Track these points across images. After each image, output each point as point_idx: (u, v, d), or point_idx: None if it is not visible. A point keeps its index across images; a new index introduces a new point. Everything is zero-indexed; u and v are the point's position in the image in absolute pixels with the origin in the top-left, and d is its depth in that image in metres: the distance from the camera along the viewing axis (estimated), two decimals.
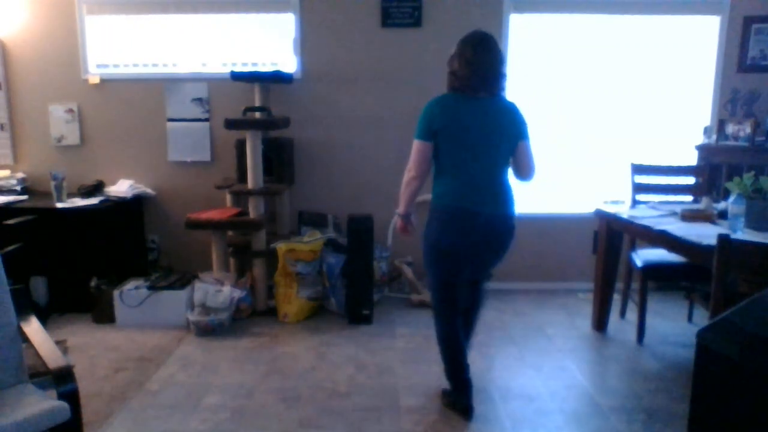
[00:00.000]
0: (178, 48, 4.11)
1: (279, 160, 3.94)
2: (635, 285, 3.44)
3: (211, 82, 4.09)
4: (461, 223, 2.40)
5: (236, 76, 3.76)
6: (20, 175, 4.12)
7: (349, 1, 3.99)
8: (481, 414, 2.57)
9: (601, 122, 4.18)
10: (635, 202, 3.66)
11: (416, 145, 2.44)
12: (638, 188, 3.70)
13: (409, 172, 2.47)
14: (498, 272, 4.15)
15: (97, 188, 4.01)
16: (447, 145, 2.40)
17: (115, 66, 4.13)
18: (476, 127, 2.38)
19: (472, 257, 2.48)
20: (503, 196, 2.46)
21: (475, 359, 3.08)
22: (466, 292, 2.64)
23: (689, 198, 3.65)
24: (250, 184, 3.70)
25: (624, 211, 3.30)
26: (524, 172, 2.50)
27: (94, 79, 4.09)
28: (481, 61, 2.36)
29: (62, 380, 1.87)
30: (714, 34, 4.10)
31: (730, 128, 4.00)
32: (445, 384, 2.69)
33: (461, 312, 2.61)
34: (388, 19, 4.00)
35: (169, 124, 4.14)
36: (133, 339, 3.38)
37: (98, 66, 4.13)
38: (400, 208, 2.57)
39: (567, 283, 4.28)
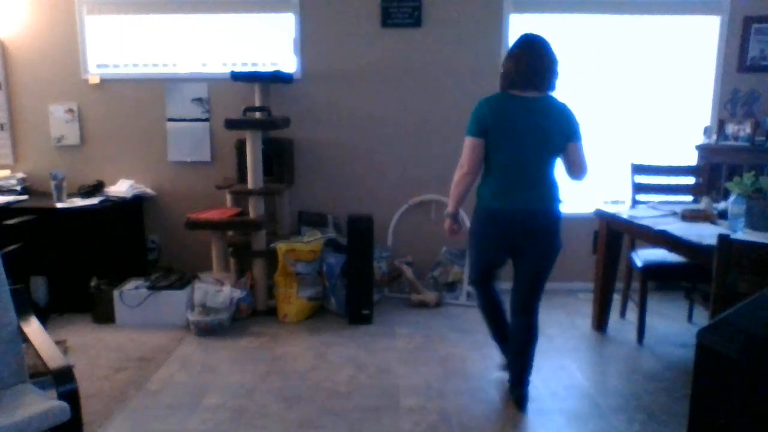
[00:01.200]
0: (178, 48, 4.11)
1: (279, 160, 3.94)
2: (635, 285, 3.44)
3: (211, 82, 4.09)
4: (501, 222, 2.47)
5: (236, 76, 3.76)
6: (20, 175, 4.12)
7: (349, 1, 3.99)
8: (482, 414, 2.57)
9: (601, 122, 4.18)
10: (635, 202, 3.66)
11: (468, 141, 2.46)
12: (638, 188, 3.70)
13: (461, 168, 2.50)
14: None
15: (97, 188, 4.01)
16: (494, 144, 2.43)
17: (115, 66, 4.13)
18: (523, 127, 2.40)
19: (516, 251, 2.54)
20: (544, 193, 2.47)
21: (475, 359, 3.08)
22: (520, 297, 2.62)
23: (689, 198, 3.65)
24: (250, 184, 3.70)
25: (624, 211, 3.30)
26: (576, 172, 2.51)
27: (94, 79, 4.09)
28: (528, 58, 2.40)
29: (62, 380, 1.87)
30: (714, 34, 4.10)
31: (730, 128, 4.00)
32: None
33: (514, 323, 2.66)
34: (388, 19, 4.00)
35: (169, 124, 4.14)
36: (133, 339, 3.37)
37: (98, 66, 4.13)
38: (450, 207, 2.61)
39: (567, 283, 4.28)
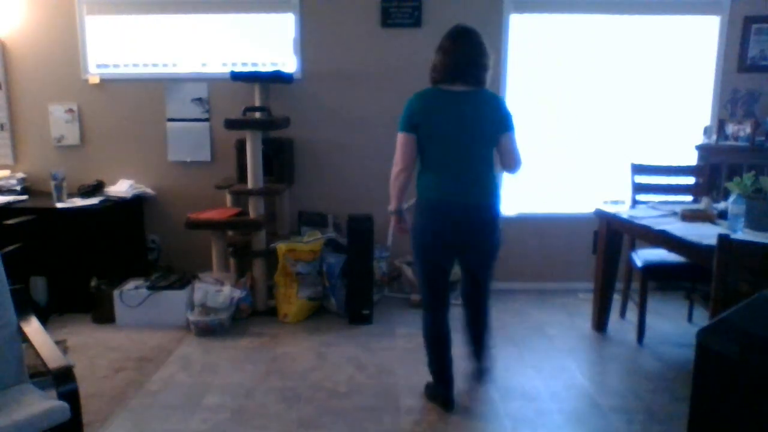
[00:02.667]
0: (178, 48, 4.11)
1: (279, 160, 3.94)
2: (635, 285, 3.44)
3: (211, 82, 4.09)
4: (442, 214, 2.44)
5: (236, 76, 3.76)
6: (20, 175, 4.12)
7: (349, 1, 3.99)
8: (481, 414, 2.57)
9: (601, 122, 4.18)
10: (635, 202, 3.66)
11: (400, 137, 2.47)
12: (638, 188, 3.70)
13: (396, 165, 2.50)
14: (498, 272, 4.17)
15: (97, 188, 4.01)
16: (428, 138, 2.43)
17: (115, 66, 4.13)
18: (456, 121, 2.40)
19: (459, 248, 2.53)
20: (484, 187, 2.46)
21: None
22: (470, 292, 2.68)
23: (689, 198, 3.65)
24: (250, 184, 3.70)
25: (624, 211, 3.30)
26: (509, 164, 2.52)
27: (94, 79, 4.09)
28: (457, 50, 2.39)
29: (62, 380, 1.87)
30: (714, 34, 4.10)
31: (730, 128, 4.00)
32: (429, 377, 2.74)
33: (466, 316, 2.71)
34: (388, 19, 4.00)
35: (169, 124, 4.14)
36: (133, 339, 3.38)
37: (98, 66, 4.13)
38: (391, 205, 2.58)
39: (567, 283, 4.28)
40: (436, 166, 2.45)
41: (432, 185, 2.45)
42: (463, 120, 2.40)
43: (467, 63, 2.39)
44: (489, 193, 2.47)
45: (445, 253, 2.52)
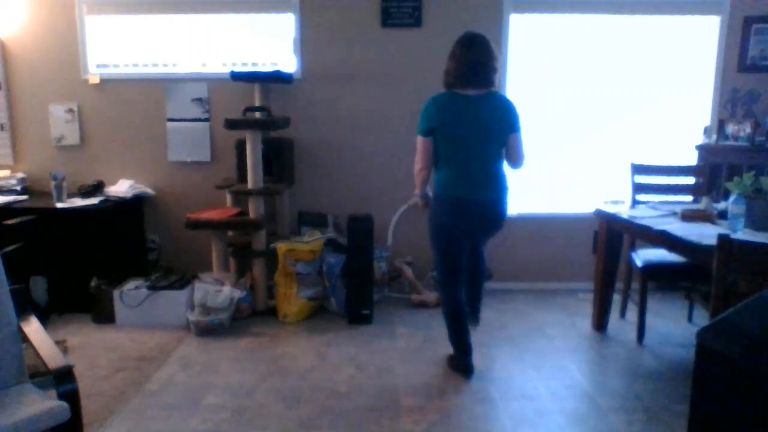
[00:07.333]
0: (178, 48, 4.11)
1: (279, 160, 3.94)
2: (635, 285, 3.44)
3: (211, 82, 4.09)
4: (459, 210, 2.69)
5: (236, 76, 3.76)
6: (20, 175, 4.12)
7: (349, 1, 3.99)
8: (481, 414, 2.57)
9: (601, 122, 4.18)
10: (635, 202, 3.66)
11: (419, 141, 2.74)
12: (638, 188, 3.70)
13: (417, 164, 2.79)
14: (498, 272, 4.18)
15: (97, 188, 4.01)
16: (443, 140, 2.66)
17: (115, 66, 4.13)
18: (469, 123, 2.61)
19: (471, 235, 2.83)
20: (496, 183, 2.71)
21: (475, 359, 3.07)
22: (467, 262, 2.94)
23: (689, 198, 3.65)
24: (250, 184, 3.70)
25: (624, 211, 3.30)
26: (515, 161, 2.78)
27: (94, 79, 4.09)
28: (469, 57, 2.60)
29: (62, 380, 1.87)
30: (714, 34, 4.10)
31: (730, 128, 4.00)
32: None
33: (464, 282, 2.95)
34: (388, 19, 4.00)
35: (169, 124, 4.14)
36: (133, 339, 3.38)
37: (98, 66, 4.13)
38: (417, 191, 2.91)
39: (567, 283, 4.28)
40: (453, 164, 2.67)
41: (449, 183, 2.69)
42: (476, 122, 2.61)
43: (478, 68, 2.60)
44: (501, 188, 2.73)
45: (460, 240, 2.79)
